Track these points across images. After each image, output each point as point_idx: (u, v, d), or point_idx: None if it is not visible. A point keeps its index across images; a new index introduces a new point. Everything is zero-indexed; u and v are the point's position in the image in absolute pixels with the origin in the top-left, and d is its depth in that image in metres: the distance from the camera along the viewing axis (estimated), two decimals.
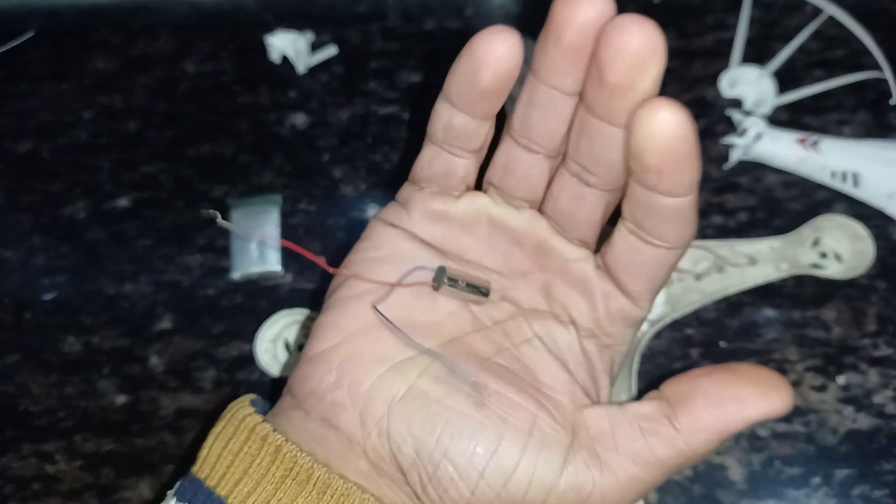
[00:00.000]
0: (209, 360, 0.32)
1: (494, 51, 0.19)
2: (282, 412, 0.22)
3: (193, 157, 0.35)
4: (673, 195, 0.19)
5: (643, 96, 0.18)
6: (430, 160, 0.22)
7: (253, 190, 0.34)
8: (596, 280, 0.22)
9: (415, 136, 0.35)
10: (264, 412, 0.23)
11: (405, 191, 0.23)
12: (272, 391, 0.31)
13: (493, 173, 0.22)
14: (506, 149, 0.22)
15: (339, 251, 0.32)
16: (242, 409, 0.22)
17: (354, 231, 0.32)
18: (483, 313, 0.22)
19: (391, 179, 0.34)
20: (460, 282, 0.22)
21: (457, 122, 0.21)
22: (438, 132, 0.21)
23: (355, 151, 0.35)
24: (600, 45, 0.18)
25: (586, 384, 0.22)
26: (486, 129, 0.21)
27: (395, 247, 0.22)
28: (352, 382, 0.20)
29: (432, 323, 0.22)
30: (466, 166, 0.22)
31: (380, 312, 0.21)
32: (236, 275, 0.32)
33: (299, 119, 0.35)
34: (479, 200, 0.23)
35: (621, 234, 0.21)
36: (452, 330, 0.22)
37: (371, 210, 0.34)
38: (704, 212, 0.32)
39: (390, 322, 0.21)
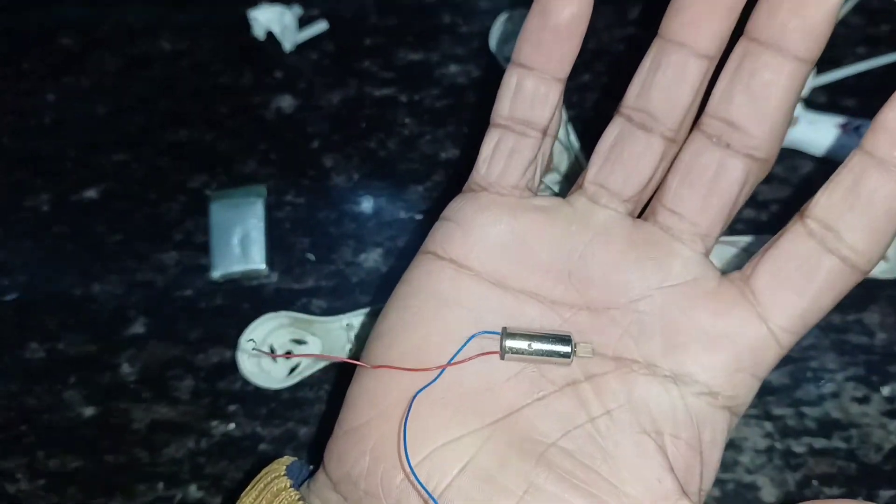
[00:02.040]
0: (186, 368, 0.32)
1: None
2: (317, 490, 0.21)
3: (169, 144, 0.35)
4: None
5: (825, 14, 0.18)
6: (492, 148, 0.21)
7: (235, 180, 0.34)
8: (726, 304, 0.20)
9: (413, 119, 0.34)
10: (300, 480, 0.22)
11: (457, 203, 0.22)
12: (257, 401, 0.31)
13: (593, 165, 0.21)
14: (614, 128, 0.21)
15: (330, 248, 0.32)
16: (278, 482, 0.21)
17: (346, 226, 0.33)
18: (553, 371, 0.20)
19: (388, 168, 0.34)
20: (526, 346, 0.19)
21: (527, 85, 0.21)
22: (504, 106, 0.21)
23: (348, 138, 0.34)
24: None
25: (685, 467, 0.19)
26: (556, 96, 0.21)
27: (445, 291, 0.21)
28: (385, 472, 0.19)
29: (485, 390, 0.20)
30: (532, 148, 0.21)
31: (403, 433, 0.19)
32: (216, 274, 0.32)
33: (286, 102, 0.35)
34: (553, 202, 0.21)
35: (791, 241, 0.19)
36: (509, 400, 0.20)
37: (365, 203, 0.33)
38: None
39: (407, 456, 0.19)
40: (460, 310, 0.20)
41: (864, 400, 0.30)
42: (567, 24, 0.20)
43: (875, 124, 0.18)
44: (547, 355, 0.20)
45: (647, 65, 0.20)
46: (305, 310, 0.32)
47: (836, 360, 0.31)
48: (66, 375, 0.32)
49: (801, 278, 0.19)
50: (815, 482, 0.29)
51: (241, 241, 0.32)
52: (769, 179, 0.32)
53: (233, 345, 0.31)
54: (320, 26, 0.36)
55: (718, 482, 0.30)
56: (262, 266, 0.32)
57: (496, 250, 0.21)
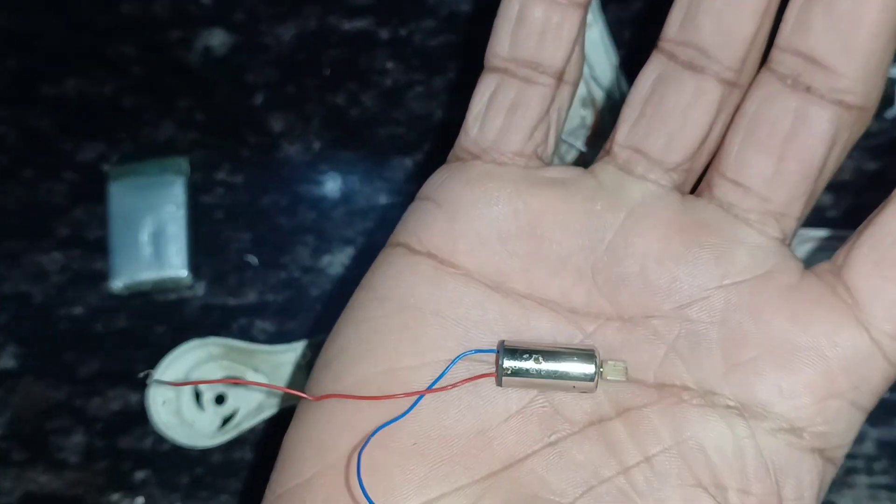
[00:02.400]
0: (76, 417, 0.28)
1: None
2: None
3: (51, 100, 0.31)
4: None
5: None
6: (487, 98, 0.19)
7: (144, 150, 0.30)
8: (811, 305, 0.17)
9: (398, 64, 0.30)
10: None
11: (439, 175, 0.20)
12: (176, 465, 0.27)
13: (624, 122, 0.19)
14: (652, 70, 0.19)
15: (280, 247, 0.29)
16: None
17: (302, 216, 0.29)
18: (571, 405, 0.18)
19: (362, 134, 0.30)
20: (533, 363, 0.17)
21: (533, 11, 0.19)
22: (504, 42, 0.19)
23: (305, 90, 0.30)
24: None
25: None
26: (574, 26, 0.19)
27: (421, 297, 0.18)
28: None
29: (476, 433, 0.17)
30: (542, 101, 0.19)
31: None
32: (118, 284, 0.29)
33: (216, 39, 0.31)
34: (571, 172, 0.19)
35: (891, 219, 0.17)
36: (510, 446, 0.17)
37: (331, 183, 0.29)
38: (852, 184, 0.27)
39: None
40: (442, 323, 0.18)
41: None
42: None
43: None
44: (562, 378, 0.17)
45: None
46: (245, 335, 0.28)
47: None
48: None
49: None
50: None
51: (154, 238, 0.29)
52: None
53: (141, 385, 0.28)
54: None
55: None
56: (184, 273, 0.29)
57: (493, 240, 0.19)
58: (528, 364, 0.17)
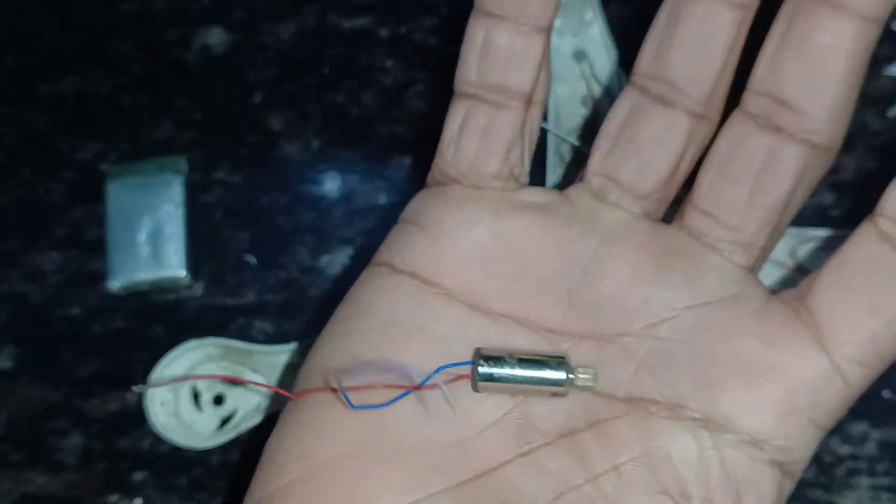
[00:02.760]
0: (73, 418, 0.28)
1: None
2: None
3: (49, 99, 0.31)
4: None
5: None
6: (460, 124, 0.20)
7: (142, 150, 0.30)
8: (776, 327, 0.18)
9: (398, 62, 0.30)
10: None
11: (420, 199, 0.21)
12: (175, 466, 0.27)
13: (598, 151, 0.20)
14: (625, 103, 0.20)
15: (279, 247, 0.29)
16: None
17: (301, 215, 0.30)
18: (545, 418, 0.18)
19: (361, 133, 0.30)
20: (508, 368, 0.18)
21: (498, 40, 0.19)
22: (472, 69, 0.20)
23: (304, 89, 0.30)
24: None
25: None
26: (539, 51, 0.19)
27: (404, 314, 0.19)
28: None
29: (454, 443, 0.18)
30: (514, 124, 0.19)
31: None
32: (116, 284, 0.29)
33: (215, 37, 0.31)
34: (548, 197, 0.20)
35: (859, 247, 0.18)
36: (486, 455, 0.18)
37: (330, 183, 0.29)
38: (854, 184, 0.27)
39: None
40: (423, 339, 0.19)
41: None
42: None
43: None
44: (535, 384, 0.18)
45: (663, 17, 0.19)
46: (244, 335, 0.28)
47: None
48: None
49: (874, 293, 0.17)
50: None
51: (152, 238, 0.29)
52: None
53: (142, 383, 0.28)
54: None
55: None
56: (182, 273, 0.29)
57: (473, 262, 0.19)
58: (503, 370, 0.18)
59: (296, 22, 0.30)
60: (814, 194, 0.28)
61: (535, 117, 0.20)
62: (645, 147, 0.19)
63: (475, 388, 0.18)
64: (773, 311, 0.18)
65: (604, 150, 0.20)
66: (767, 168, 0.19)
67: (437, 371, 0.18)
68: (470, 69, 0.20)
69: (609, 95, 0.27)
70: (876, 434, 0.25)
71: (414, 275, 0.20)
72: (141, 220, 0.28)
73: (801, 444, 0.18)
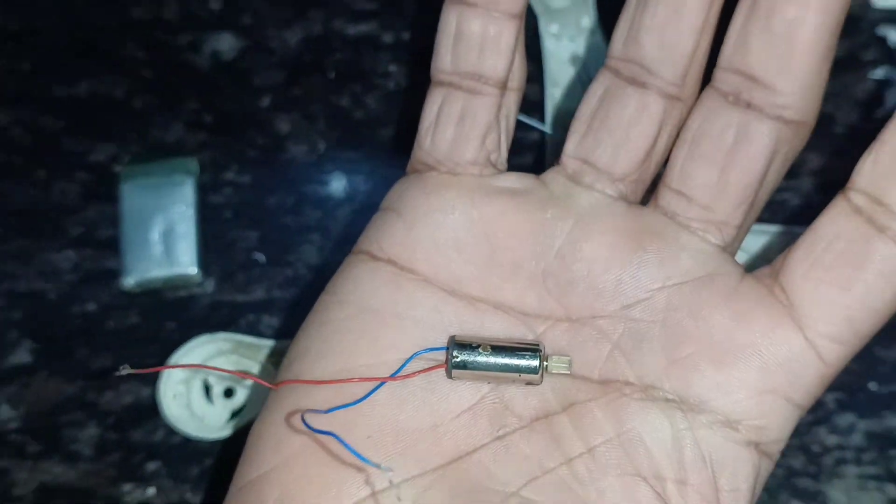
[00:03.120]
0: (88, 411, 0.28)
1: None
2: None
3: (63, 101, 0.31)
4: None
5: None
6: (436, 111, 0.20)
7: (155, 151, 0.30)
8: (749, 306, 0.17)
9: (400, 67, 0.30)
10: None
11: (398, 187, 0.20)
12: (187, 457, 0.27)
13: (573, 134, 0.19)
14: (598, 86, 0.19)
15: (287, 245, 0.30)
16: None
17: (308, 214, 0.30)
18: (521, 401, 0.18)
19: (366, 134, 0.30)
20: (481, 356, 0.17)
21: (470, 27, 0.19)
22: (446, 57, 0.19)
23: (311, 92, 0.31)
24: None
25: None
26: (511, 36, 0.19)
27: (381, 301, 0.19)
28: None
29: (429, 428, 0.18)
30: (489, 110, 0.19)
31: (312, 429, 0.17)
32: (130, 281, 0.29)
33: (224, 43, 0.31)
34: (524, 181, 0.19)
35: (831, 225, 0.17)
36: (461, 440, 0.18)
37: (335, 183, 0.29)
38: (845, 183, 0.27)
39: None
40: (400, 325, 0.19)
41: None
42: None
43: None
44: (509, 371, 0.18)
45: (631, 4, 0.19)
46: (253, 330, 0.29)
47: None
48: None
49: (847, 268, 0.17)
50: None
51: (164, 237, 0.29)
52: None
53: (153, 379, 0.28)
54: None
55: None
56: (193, 270, 0.29)
57: (449, 247, 0.19)
58: (477, 357, 0.18)
59: (302, 28, 0.30)
60: (804, 195, 0.28)
61: (511, 103, 0.20)
62: (619, 129, 0.19)
63: (449, 375, 0.18)
64: (747, 289, 0.18)
65: (579, 133, 0.19)
66: (739, 145, 0.18)
67: (412, 357, 0.18)
68: (444, 57, 0.20)
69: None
70: (862, 425, 0.26)
71: (391, 261, 0.19)
72: (153, 219, 0.29)
73: (777, 424, 0.17)
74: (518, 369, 0.18)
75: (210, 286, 0.29)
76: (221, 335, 0.27)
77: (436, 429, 0.18)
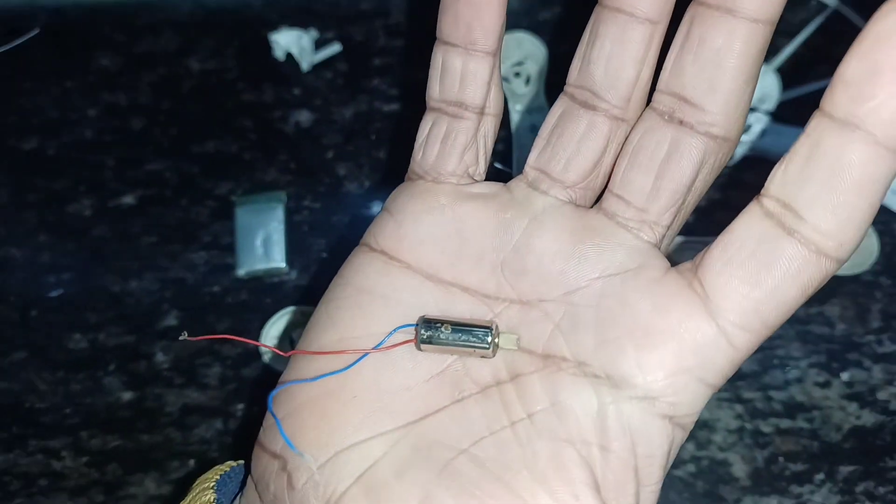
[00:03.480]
0: (214, 356, 0.33)
1: None
2: (246, 495, 0.20)
3: (198, 154, 0.36)
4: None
5: None
6: (426, 132, 0.20)
7: (257, 187, 0.35)
8: (670, 296, 0.17)
9: None
10: (235, 489, 0.21)
11: (394, 192, 0.20)
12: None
13: (535, 149, 0.19)
14: (557, 108, 0.19)
15: (343, 249, 0.30)
16: (203, 495, 0.20)
17: (358, 228, 0.31)
18: (478, 370, 0.18)
19: (396, 176, 0.33)
20: (443, 335, 0.18)
21: (453, 62, 0.19)
22: (435, 87, 0.20)
23: (359, 148, 0.36)
24: None
25: (614, 485, 0.17)
26: (486, 71, 0.19)
27: (372, 284, 0.19)
28: (290, 474, 0.18)
29: (403, 390, 0.18)
30: (468, 131, 0.19)
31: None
32: (241, 272, 0.33)
33: (303, 116, 0.36)
34: (493, 188, 0.19)
35: (744, 226, 0.16)
36: (427, 401, 0.18)
37: (376, 207, 0.35)
38: (708, 210, 0.33)
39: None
40: (386, 303, 0.18)
41: (825, 384, 0.32)
42: None
43: (834, 81, 0.15)
44: (466, 346, 0.17)
45: (587, 36, 0.18)
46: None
47: (800, 348, 0.32)
48: (107, 364, 0.33)
49: (756, 266, 0.16)
50: (781, 459, 0.31)
51: (264, 242, 0.33)
52: (740, 186, 0.34)
53: (256, 336, 0.32)
54: (334, 48, 0.37)
55: (693, 459, 0.31)
56: (283, 265, 0.33)
57: (428, 241, 0.19)
58: (440, 333, 0.18)
59: (354, 106, 0.36)
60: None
61: (488, 126, 0.19)
62: (571, 144, 0.18)
63: (417, 347, 0.18)
64: (669, 281, 0.17)
65: (539, 147, 0.19)
66: (671, 157, 0.18)
67: (393, 332, 0.18)
68: (434, 87, 0.19)
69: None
70: None
71: (383, 252, 0.19)
72: (257, 231, 0.33)
73: (689, 401, 0.17)
74: (473, 345, 0.17)
75: (293, 275, 0.33)
76: (302, 307, 0.32)
77: (409, 390, 0.18)
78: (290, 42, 0.36)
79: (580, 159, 0.18)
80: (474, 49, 0.19)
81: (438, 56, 0.19)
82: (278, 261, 0.33)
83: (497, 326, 0.18)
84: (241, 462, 0.22)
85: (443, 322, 0.18)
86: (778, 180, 0.16)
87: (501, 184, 0.19)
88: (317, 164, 0.35)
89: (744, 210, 0.17)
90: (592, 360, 0.17)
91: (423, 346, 0.18)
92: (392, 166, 0.35)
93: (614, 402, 0.17)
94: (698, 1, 0.17)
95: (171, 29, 0.38)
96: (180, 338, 0.19)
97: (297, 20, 0.37)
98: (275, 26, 0.37)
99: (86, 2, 0.39)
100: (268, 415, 0.19)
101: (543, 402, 0.17)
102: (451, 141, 0.19)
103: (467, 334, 0.18)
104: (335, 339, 0.18)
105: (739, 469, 0.30)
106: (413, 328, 0.18)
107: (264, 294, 0.33)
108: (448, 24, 0.19)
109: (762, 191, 0.16)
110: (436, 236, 0.19)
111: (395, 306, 0.18)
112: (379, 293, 0.19)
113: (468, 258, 0.19)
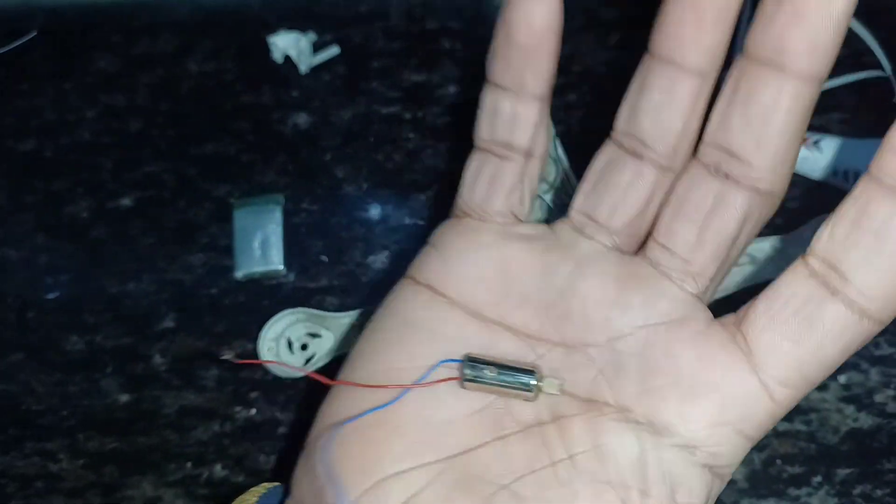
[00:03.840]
0: (212, 358, 0.33)
1: (526, 6, 0.18)
2: None
3: (196, 157, 0.36)
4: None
5: (829, 21, 0.16)
6: (474, 171, 0.20)
7: (256, 189, 0.35)
8: (713, 348, 0.17)
9: (417, 135, 0.36)
10: None
11: (440, 227, 0.20)
12: (277, 389, 0.32)
13: (580, 193, 0.19)
14: (604, 154, 0.19)
15: (342, 251, 0.34)
16: None
17: (356, 230, 0.34)
18: (519, 409, 0.18)
19: (393, 179, 0.35)
20: (488, 375, 0.18)
21: (503, 105, 0.19)
22: (484, 129, 0.20)
23: (357, 151, 0.35)
24: None
25: None
26: (534, 115, 0.19)
27: (417, 317, 0.19)
28: (335, 495, 0.18)
29: (446, 423, 0.18)
30: (514, 172, 0.19)
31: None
32: (239, 274, 0.33)
33: (302, 119, 0.36)
34: (538, 230, 0.20)
35: (788, 284, 0.16)
36: (469, 436, 0.18)
37: (373, 210, 0.34)
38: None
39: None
40: (430, 337, 0.19)
41: (822, 387, 0.32)
42: (533, 41, 0.18)
43: (883, 146, 0.15)
44: (509, 387, 0.18)
45: (635, 85, 0.18)
46: (319, 306, 0.33)
47: None
48: (104, 365, 0.33)
49: (800, 324, 0.16)
50: (778, 461, 0.30)
51: (262, 244, 0.33)
52: None
53: (254, 338, 0.32)
54: (333, 51, 0.37)
55: None
56: (281, 267, 0.33)
57: (474, 278, 0.19)
58: (483, 374, 0.18)
59: (352, 109, 0.36)
60: None
61: (535, 166, 0.20)
62: (617, 191, 0.19)
63: (462, 385, 0.18)
64: (713, 333, 0.17)
65: (584, 192, 0.19)
66: (716, 210, 0.18)
67: (437, 366, 0.18)
68: (483, 128, 0.19)
69: (548, 158, 0.30)
70: None
71: (429, 286, 0.19)
72: (255, 233, 0.33)
73: (729, 452, 0.17)
74: (516, 386, 0.18)
75: (291, 277, 0.33)
76: (299, 309, 0.31)
77: (451, 424, 0.18)
78: (288, 44, 0.36)
79: (626, 206, 0.19)
80: (524, 93, 0.19)
81: (488, 97, 0.19)
82: (276, 263, 0.33)
83: (540, 370, 0.18)
84: (278, 484, 0.21)
85: (488, 363, 0.18)
86: (824, 241, 0.16)
87: (546, 226, 0.20)
88: (315, 166, 0.35)
89: (789, 268, 0.17)
90: (635, 407, 0.17)
91: (466, 383, 0.18)
92: (391, 169, 0.35)
93: (655, 448, 0.17)
94: (746, 55, 0.17)
95: (170, 31, 0.38)
96: (225, 357, 0.19)
97: (296, 22, 0.37)
98: (273, 28, 0.36)
99: (83, 3, 0.38)
100: (310, 438, 0.19)
101: (585, 445, 0.17)
102: (499, 181, 0.19)
103: (511, 376, 0.18)
104: (379, 370, 0.19)
105: (737, 472, 0.30)
106: (457, 363, 0.18)
107: (262, 296, 0.33)
108: (499, 69, 0.19)
109: (808, 249, 0.16)
110: (481, 274, 0.19)
111: (439, 340, 0.19)
112: (423, 326, 0.19)
113: (513, 298, 0.19)
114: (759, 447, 0.31)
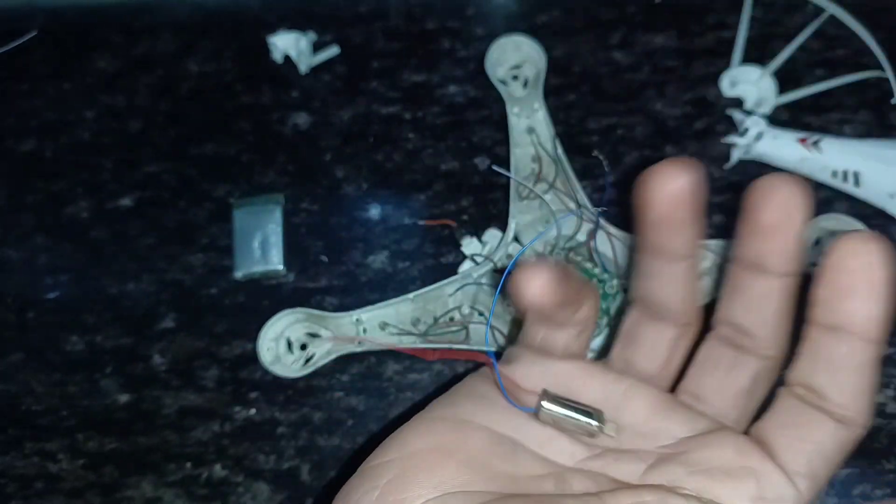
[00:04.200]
0: (212, 358, 0.33)
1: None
2: None
3: (196, 157, 0.36)
4: (860, 331, 0.19)
5: (793, 237, 0.19)
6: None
7: (255, 189, 0.35)
8: (748, 445, 0.20)
9: (416, 135, 0.36)
10: None
11: (508, 354, 0.23)
12: (276, 389, 0.32)
13: (616, 344, 0.23)
14: (632, 315, 0.23)
15: (341, 251, 0.34)
16: None
17: (356, 230, 0.34)
18: (581, 480, 0.20)
19: (393, 179, 0.35)
20: (562, 408, 0.21)
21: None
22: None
23: (357, 151, 0.35)
24: (751, 195, 0.20)
25: None
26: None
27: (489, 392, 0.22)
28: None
29: (506, 476, 0.20)
30: (581, 336, 0.23)
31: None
32: (239, 274, 0.33)
33: (301, 119, 0.36)
34: (594, 362, 0.23)
35: (786, 402, 0.20)
36: (527, 483, 0.20)
37: (373, 210, 0.34)
38: (706, 212, 0.32)
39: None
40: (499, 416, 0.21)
41: None
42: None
43: (814, 298, 0.19)
44: (577, 418, 0.21)
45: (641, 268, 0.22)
46: (319, 306, 0.33)
47: None
48: (104, 366, 0.33)
49: (802, 428, 0.20)
50: None
51: (261, 245, 0.33)
52: (737, 189, 0.33)
53: (254, 338, 0.32)
54: (332, 51, 0.37)
55: None
56: (280, 267, 0.33)
57: (548, 387, 0.22)
58: (557, 406, 0.21)
59: (352, 109, 0.36)
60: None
61: (591, 324, 0.23)
62: (642, 342, 0.23)
63: (536, 415, 0.21)
64: (744, 437, 0.21)
65: (621, 344, 0.23)
66: (733, 369, 0.21)
67: (490, 353, 0.22)
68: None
69: (548, 155, 0.32)
70: None
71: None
72: (254, 233, 0.33)
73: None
74: (583, 420, 0.21)
75: (291, 277, 0.33)
76: (299, 309, 0.31)
77: (513, 477, 0.20)
78: (288, 44, 0.36)
79: (654, 355, 0.23)
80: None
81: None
82: (276, 263, 0.33)
83: (602, 414, 0.21)
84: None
85: (561, 398, 0.21)
86: (799, 370, 0.20)
87: (602, 361, 0.24)
88: (315, 166, 0.35)
89: (779, 392, 0.21)
90: (686, 483, 0.20)
91: (542, 414, 0.21)
92: (390, 169, 0.35)
93: None
94: (736, 261, 0.21)
95: (170, 31, 0.38)
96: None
97: (296, 23, 0.37)
98: (273, 29, 0.36)
99: (83, 3, 0.38)
100: (381, 445, 0.21)
101: None
102: (566, 332, 0.22)
103: (580, 414, 0.21)
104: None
105: None
106: (495, 370, 0.21)
107: (262, 296, 0.33)
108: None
109: (787, 380, 0.20)
110: (555, 386, 0.22)
111: (506, 422, 0.21)
112: (501, 403, 0.21)
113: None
114: None
